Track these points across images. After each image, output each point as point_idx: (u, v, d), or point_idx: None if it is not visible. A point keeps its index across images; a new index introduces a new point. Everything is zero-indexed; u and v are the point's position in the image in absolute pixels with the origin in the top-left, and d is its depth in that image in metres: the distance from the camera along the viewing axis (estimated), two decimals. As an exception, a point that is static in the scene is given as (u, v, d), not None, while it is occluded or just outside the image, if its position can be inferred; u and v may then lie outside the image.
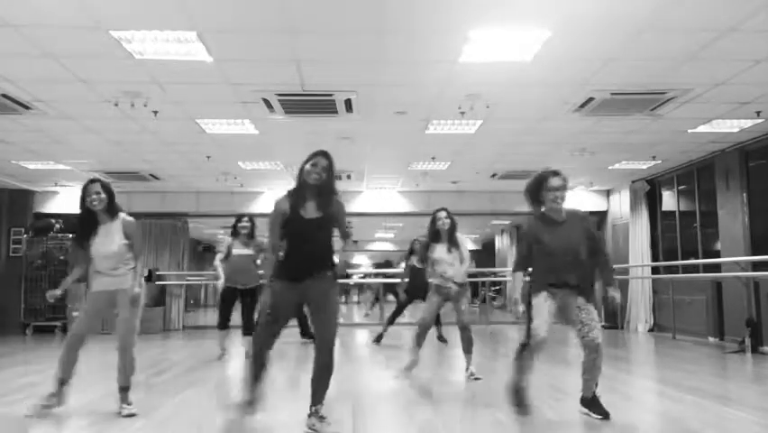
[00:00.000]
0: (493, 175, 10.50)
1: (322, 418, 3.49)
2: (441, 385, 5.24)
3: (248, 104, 6.38)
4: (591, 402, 3.87)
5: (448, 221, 5.62)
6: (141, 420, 3.89)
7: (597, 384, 3.85)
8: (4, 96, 5.97)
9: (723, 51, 5.05)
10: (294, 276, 3.54)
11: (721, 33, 4.71)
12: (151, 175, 10.21)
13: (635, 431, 3.64)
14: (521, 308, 3.86)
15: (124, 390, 4.12)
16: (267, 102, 6.30)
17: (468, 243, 5.62)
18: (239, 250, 6.90)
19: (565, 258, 3.78)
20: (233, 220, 7.13)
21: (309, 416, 3.50)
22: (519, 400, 3.87)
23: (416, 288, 8.69)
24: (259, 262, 6.85)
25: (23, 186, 11.06)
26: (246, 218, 7.05)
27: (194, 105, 6.49)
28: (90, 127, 7.22)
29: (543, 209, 3.90)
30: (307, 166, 3.55)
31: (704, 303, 9.07)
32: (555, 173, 3.83)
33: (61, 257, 11.14)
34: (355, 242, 8.80)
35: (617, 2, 4.22)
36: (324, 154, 3.57)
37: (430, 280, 5.73)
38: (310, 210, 3.55)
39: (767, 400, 4.68)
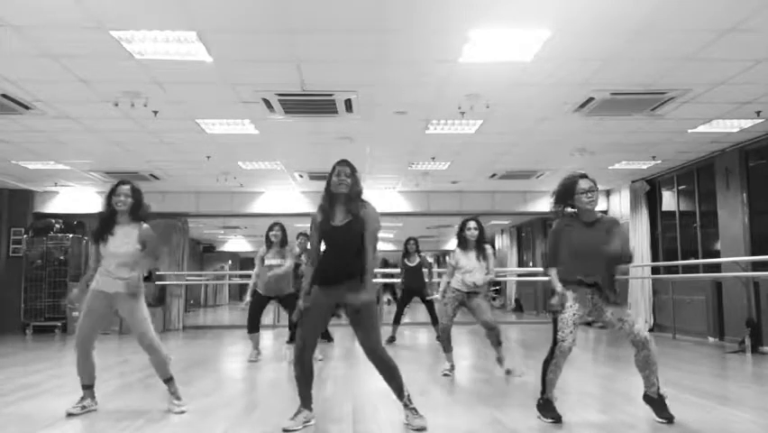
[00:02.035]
0: (493, 175, 10.50)
1: (413, 410, 3.71)
2: (440, 385, 5.24)
3: (248, 104, 6.39)
4: (655, 403, 3.80)
5: (476, 232, 5.71)
6: (141, 419, 3.90)
7: (658, 379, 3.78)
8: (4, 96, 5.97)
9: (723, 51, 5.05)
10: (326, 281, 3.70)
11: (721, 33, 4.71)
12: (151, 175, 10.22)
13: (634, 431, 3.64)
14: (568, 294, 3.75)
15: (168, 381, 4.19)
16: (267, 102, 6.30)
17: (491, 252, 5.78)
18: (272, 260, 6.78)
19: (592, 259, 3.76)
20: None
21: (404, 408, 3.76)
22: (549, 410, 3.81)
23: (412, 287, 8.75)
24: (301, 268, 6.65)
25: (23, 186, 11.06)
26: (277, 227, 6.89)
27: (194, 106, 6.49)
28: (90, 127, 7.22)
29: (574, 211, 3.91)
30: (333, 179, 3.74)
31: (704, 303, 9.07)
32: (583, 176, 3.90)
33: (61, 257, 11.14)
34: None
35: (617, 2, 4.22)
36: (345, 162, 3.78)
37: (449, 283, 5.75)
38: (339, 217, 3.73)
39: (767, 400, 4.68)
